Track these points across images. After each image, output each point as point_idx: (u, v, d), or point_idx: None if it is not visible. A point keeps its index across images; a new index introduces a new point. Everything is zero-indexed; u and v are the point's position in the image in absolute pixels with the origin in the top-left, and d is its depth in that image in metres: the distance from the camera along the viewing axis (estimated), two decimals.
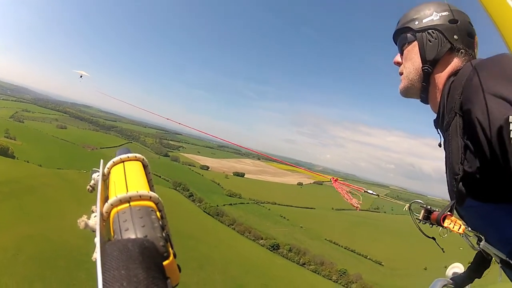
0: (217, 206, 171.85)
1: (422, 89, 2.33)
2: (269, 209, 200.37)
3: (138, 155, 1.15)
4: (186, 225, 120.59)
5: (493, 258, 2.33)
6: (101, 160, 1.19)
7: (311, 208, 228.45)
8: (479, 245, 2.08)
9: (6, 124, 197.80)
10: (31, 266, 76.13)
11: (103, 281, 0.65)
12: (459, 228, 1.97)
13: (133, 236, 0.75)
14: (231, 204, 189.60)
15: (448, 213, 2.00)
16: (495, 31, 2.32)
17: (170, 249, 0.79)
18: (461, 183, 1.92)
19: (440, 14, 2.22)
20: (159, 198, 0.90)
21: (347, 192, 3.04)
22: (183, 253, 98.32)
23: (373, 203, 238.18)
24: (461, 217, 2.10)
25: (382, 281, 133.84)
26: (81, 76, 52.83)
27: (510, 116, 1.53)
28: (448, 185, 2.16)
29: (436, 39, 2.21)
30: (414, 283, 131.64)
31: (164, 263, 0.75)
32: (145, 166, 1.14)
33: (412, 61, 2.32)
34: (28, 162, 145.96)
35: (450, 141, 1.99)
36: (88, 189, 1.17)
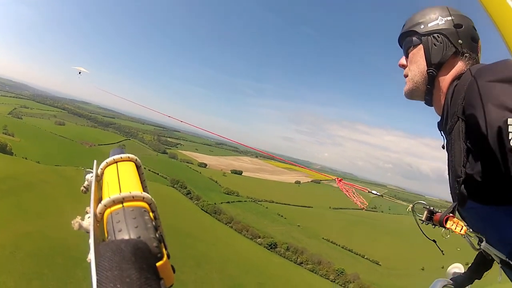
0: (215, 204, 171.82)
1: (426, 92, 2.37)
2: (266, 208, 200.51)
3: (131, 155, 1.15)
4: (184, 223, 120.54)
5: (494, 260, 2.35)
6: (95, 161, 1.19)
7: (309, 207, 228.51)
8: (480, 245, 2.11)
9: (4, 121, 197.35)
10: (29, 264, 75.83)
11: (97, 281, 0.65)
12: (461, 229, 2.01)
13: (126, 237, 0.76)
14: (228, 202, 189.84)
15: (451, 214, 2.04)
16: (496, 32, 2.22)
17: (164, 250, 0.80)
18: (463, 185, 1.96)
19: (445, 18, 2.27)
20: (152, 199, 0.91)
21: (352, 192, 3.08)
22: (180, 251, 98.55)
23: (371, 202, 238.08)
24: (463, 218, 2.15)
25: (380, 281, 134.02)
26: (79, 73, 52.75)
27: (509, 119, 1.57)
28: (450, 186, 2.19)
29: (441, 43, 2.25)
30: (412, 283, 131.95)
31: (158, 264, 0.75)
32: (138, 167, 1.14)
33: (417, 64, 2.36)
34: (26, 158, 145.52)
35: (453, 145, 2.03)
36: (82, 190, 1.16)
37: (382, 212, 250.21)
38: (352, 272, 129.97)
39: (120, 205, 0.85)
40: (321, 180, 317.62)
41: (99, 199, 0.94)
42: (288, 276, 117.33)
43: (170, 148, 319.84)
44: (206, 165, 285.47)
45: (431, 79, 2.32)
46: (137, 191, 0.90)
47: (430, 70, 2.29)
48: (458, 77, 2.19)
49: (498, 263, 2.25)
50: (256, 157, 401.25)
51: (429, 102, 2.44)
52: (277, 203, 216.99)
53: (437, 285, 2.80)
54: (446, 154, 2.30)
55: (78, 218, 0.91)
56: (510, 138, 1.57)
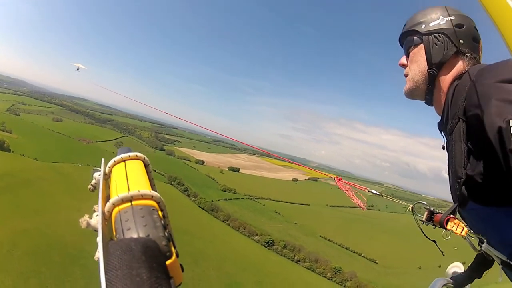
0: (212, 201, 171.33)
1: (427, 91, 2.37)
2: (264, 205, 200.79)
3: (139, 154, 1.15)
4: (181, 220, 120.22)
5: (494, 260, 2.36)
6: (102, 159, 1.17)
7: (306, 205, 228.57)
8: (480, 247, 2.10)
9: (2, 117, 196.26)
10: (26, 262, 75.42)
11: (106, 280, 0.64)
12: (462, 230, 2.01)
13: (135, 236, 0.76)
14: (226, 199, 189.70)
15: (451, 215, 2.05)
16: (496, 32, 2.39)
17: (173, 248, 0.80)
18: (463, 186, 1.95)
19: (447, 18, 2.27)
20: (161, 197, 0.90)
21: (352, 192, 3.07)
22: (178, 248, 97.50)
23: (368, 201, 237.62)
24: (463, 219, 2.14)
25: (377, 279, 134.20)
26: (77, 69, 52.52)
27: (511, 120, 1.55)
28: (450, 187, 2.18)
29: (442, 42, 2.25)
30: (409, 282, 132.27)
31: (167, 262, 0.75)
32: (146, 165, 1.13)
33: (418, 63, 2.36)
34: (23, 155, 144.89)
35: (454, 145, 2.02)
36: (90, 188, 1.16)
37: (379, 210, 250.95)
38: (349, 270, 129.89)
39: (129, 204, 0.85)
40: (318, 178, 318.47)
41: (107, 198, 0.93)
42: (286, 274, 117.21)
43: (167, 145, 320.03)
44: (203, 162, 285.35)
45: (432, 78, 2.31)
46: (146, 189, 0.90)
47: (431, 70, 2.29)
48: (459, 77, 2.18)
49: (499, 264, 2.25)
50: (254, 154, 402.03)
51: (429, 102, 2.43)
52: (274, 200, 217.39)
53: (437, 284, 2.85)
54: (446, 154, 2.29)
55: (86, 216, 0.91)
56: (511, 139, 1.55)
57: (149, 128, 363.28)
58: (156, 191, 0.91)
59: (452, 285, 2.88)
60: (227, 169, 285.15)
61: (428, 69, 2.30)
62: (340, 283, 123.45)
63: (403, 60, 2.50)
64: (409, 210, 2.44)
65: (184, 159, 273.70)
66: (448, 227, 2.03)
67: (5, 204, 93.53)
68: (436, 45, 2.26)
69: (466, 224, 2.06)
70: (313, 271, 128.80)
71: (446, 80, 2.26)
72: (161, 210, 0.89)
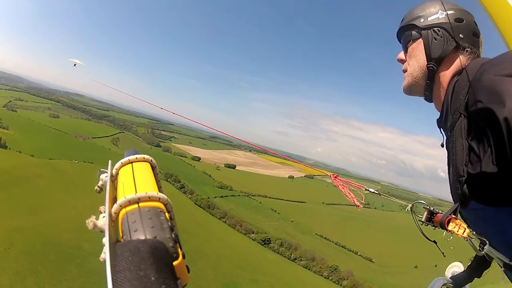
0: (208, 198, 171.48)
1: (426, 87, 2.32)
2: (260, 202, 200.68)
3: (146, 156, 1.16)
4: (177, 218, 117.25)
5: (494, 259, 2.32)
6: (109, 161, 1.17)
7: (302, 202, 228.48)
8: (483, 249, 2.03)
9: None
10: (22, 261, 75.18)
11: (113, 281, 0.65)
12: (464, 231, 1.94)
13: (142, 237, 0.76)
14: (222, 197, 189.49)
15: (453, 216, 1.98)
16: (495, 31, 2.39)
17: (179, 249, 0.80)
18: (465, 185, 1.90)
19: (446, 12, 2.22)
20: (168, 199, 0.91)
21: (348, 190, 3.08)
22: None
23: (364, 199, 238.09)
24: (464, 220, 2.09)
25: (373, 278, 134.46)
26: (74, 65, 52.23)
27: None
28: (450, 186, 2.13)
29: (441, 37, 2.20)
30: (405, 281, 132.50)
31: (174, 263, 0.76)
32: (153, 167, 1.14)
33: (416, 58, 2.30)
34: (20, 152, 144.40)
35: (455, 142, 1.96)
36: (96, 189, 1.15)
37: (376, 208, 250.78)
38: (345, 269, 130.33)
39: (136, 205, 0.86)
40: (314, 175, 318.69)
41: (114, 199, 0.94)
42: (282, 273, 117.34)
43: (164, 141, 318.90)
44: (199, 158, 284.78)
45: (431, 74, 2.26)
46: (153, 191, 0.90)
47: (430, 65, 2.23)
48: (459, 72, 2.14)
49: (501, 267, 2.22)
50: (250, 151, 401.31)
51: (428, 98, 2.38)
52: (270, 198, 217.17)
53: (436, 284, 2.89)
54: (444, 153, 2.26)
55: (93, 218, 0.91)
56: None
57: (145, 124, 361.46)
58: (163, 193, 0.92)
59: (451, 285, 2.90)
60: (223, 165, 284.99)
61: (427, 64, 2.25)
62: (336, 282, 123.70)
63: (401, 55, 2.44)
64: (408, 210, 2.36)
65: (181, 156, 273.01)
66: (449, 228, 1.96)
67: (2, 201, 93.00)
68: (436, 40, 2.21)
69: (467, 225, 1.99)
70: (309, 269, 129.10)
71: (446, 75, 2.21)
72: (168, 212, 0.90)
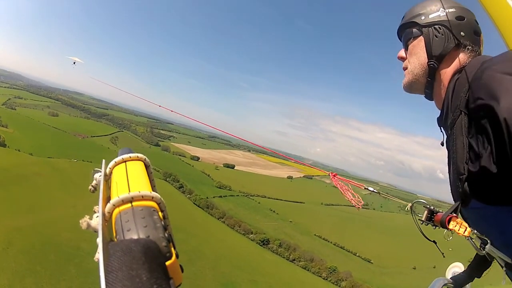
0: (207, 198, 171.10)
1: (427, 85, 2.31)
2: (259, 203, 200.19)
3: (140, 155, 1.15)
4: (176, 218, 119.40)
5: (494, 259, 2.31)
6: (103, 160, 1.17)
7: (301, 203, 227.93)
8: (483, 248, 2.02)
9: None
10: (21, 260, 75.07)
11: (106, 282, 0.64)
12: (465, 230, 1.92)
13: (135, 237, 0.76)
14: (221, 196, 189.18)
15: (454, 214, 1.96)
16: (495, 31, 2.38)
17: (173, 249, 0.80)
18: (466, 183, 1.88)
19: (447, 10, 2.21)
20: (161, 198, 0.90)
21: (347, 189, 3.08)
22: None
23: (362, 198, 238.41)
24: (465, 219, 2.07)
25: (372, 279, 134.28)
26: (74, 63, 52.08)
27: None
28: (451, 185, 2.11)
29: (442, 34, 2.19)
30: (404, 283, 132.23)
31: (167, 263, 0.75)
32: (147, 166, 1.13)
33: (417, 56, 2.29)
34: (19, 150, 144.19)
35: (455, 140, 1.95)
36: (90, 189, 1.15)
37: (374, 209, 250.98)
38: (344, 270, 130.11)
39: (129, 205, 0.85)
40: (313, 176, 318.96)
41: (107, 199, 0.93)
42: (281, 273, 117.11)
43: (163, 141, 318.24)
44: (198, 158, 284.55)
45: (432, 71, 2.25)
46: (146, 190, 0.90)
47: (431, 62, 2.22)
48: (459, 71, 2.13)
49: (502, 267, 2.21)
50: (249, 151, 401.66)
51: (429, 96, 2.37)
52: (269, 198, 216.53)
53: (436, 284, 2.89)
54: (442, 154, 2.25)
55: (87, 217, 0.91)
56: None
57: (144, 123, 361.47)
58: (156, 192, 0.91)
59: (452, 285, 2.90)
60: (222, 165, 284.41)
61: (428, 62, 2.24)
62: (335, 283, 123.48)
63: (402, 53, 2.43)
64: (407, 209, 2.34)
65: (180, 155, 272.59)
66: (450, 226, 1.93)
67: (1, 200, 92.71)
68: (436, 37, 2.20)
69: (468, 225, 1.97)
70: (308, 270, 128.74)
71: (446, 73, 2.20)
72: (162, 211, 0.89)
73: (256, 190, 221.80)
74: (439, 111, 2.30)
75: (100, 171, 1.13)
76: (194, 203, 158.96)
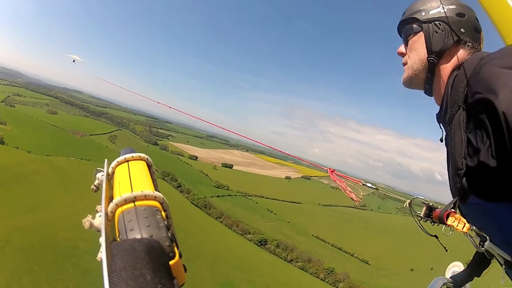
0: (205, 197, 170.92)
1: (426, 80, 2.32)
2: (256, 202, 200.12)
3: (142, 154, 1.16)
4: (174, 217, 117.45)
5: (494, 257, 2.30)
6: (105, 160, 1.16)
7: (299, 203, 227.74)
8: (482, 245, 2.02)
9: None
10: (19, 260, 75.03)
11: (109, 281, 0.64)
12: (464, 226, 1.89)
13: (138, 236, 0.76)
14: (218, 196, 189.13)
15: (452, 210, 1.94)
16: (495, 31, 2.39)
17: (176, 248, 0.80)
18: (464, 178, 1.87)
19: (448, 7, 2.22)
20: (164, 198, 0.91)
21: (346, 185, 3.08)
22: None
23: (361, 193, 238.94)
24: (463, 216, 2.01)
25: (369, 280, 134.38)
26: (73, 61, 52.00)
27: None
28: (450, 181, 2.11)
29: (443, 30, 2.20)
30: (401, 284, 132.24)
31: (170, 263, 0.76)
32: (149, 166, 1.15)
33: (417, 51, 2.30)
34: (17, 148, 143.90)
35: (453, 136, 1.95)
36: (93, 188, 1.14)
37: (372, 210, 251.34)
38: (342, 271, 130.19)
39: (132, 204, 0.85)
40: (311, 176, 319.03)
41: (110, 198, 0.94)
42: (278, 274, 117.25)
43: (161, 140, 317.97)
44: (197, 157, 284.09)
45: (432, 67, 2.26)
46: (149, 190, 0.90)
47: (431, 58, 2.23)
48: (459, 67, 2.13)
49: (501, 265, 2.20)
50: (247, 151, 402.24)
51: (428, 91, 2.38)
52: (267, 198, 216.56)
53: (436, 284, 2.87)
54: (439, 155, 2.22)
55: (89, 217, 0.90)
56: None
57: (143, 122, 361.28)
58: (159, 192, 0.92)
59: (451, 284, 2.89)
60: (220, 165, 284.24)
61: (428, 57, 2.25)
62: (333, 284, 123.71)
63: (402, 48, 2.44)
64: (406, 205, 2.32)
65: (178, 154, 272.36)
66: (449, 222, 1.91)
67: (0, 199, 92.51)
68: (437, 33, 2.22)
69: (467, 221, 1.94)
70: (306, 271, 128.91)
71: (446, 69, 2.21)
72: (164, 211, 0.89)
73: (254, 190, 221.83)
74: (438, 108, 2.30)
75: (103, 171, 1.13)
76: (192, 203, 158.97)
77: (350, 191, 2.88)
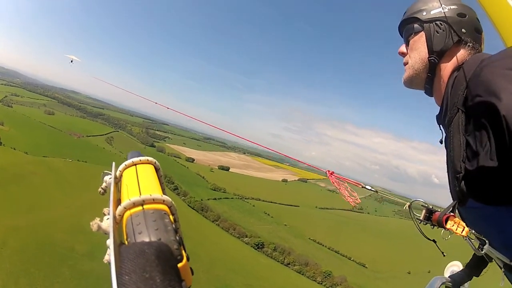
0: (202, 200, 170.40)
1: (427, 80, 2.31)
2: (253, 205, 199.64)
3: (150, 158, 1.17)
4: None
5: (494, 260, 2.30)
6: (113, 163, 1.17)
7: (295, 206, 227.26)
8: (482, 248, 1.99)
9: None
10: (15, 261, 74.66)
11: (118, 283, 0.65)
12: (463, 230, 1.89)
13: (146, 239, 0.76)
14: (215, 199, 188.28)
15: (451, 213, 1.94)
16: (494, 31, 2.40)
17: (183, 252, 0.81)
18: (463, 182, 1.86)
19: (449, 7, 2.22)
20: (172, 202, 0.92)
21: (345, 187, 3.08)
22: None
23: (359, 197, 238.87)
24: (463, 219, 2.03)
25: (366, 284, 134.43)
26: (71, 61, 51.61)
27: None
28: (449, 184, 2.09)
29: (444, 30, 2.20)
30: (399, 287, 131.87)
31: (179, 265, 0.76)
32: (157, 169, 1.16)
33: (418, 51, 2.30)
34: (15, 149, 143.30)
35: (452, 138, 1.94)
36: (100, 191, 1.14)
37: (369, 213, 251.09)
38: (339, 275, 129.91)
39: (140, 208, 0.86)
40: (308, 179, 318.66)
41: (117, 201, 0.94)
42: (276, 278, 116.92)
43: (158, 141, 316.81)
44: (193, 160, 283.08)
45: (432, 67, 2.25)
46: (157, 193, 0.91)
47: (432, 58, 2.23)
48: (459, 67, 2.13)
49: (501, 268, 2.18)
50: (244, 153, 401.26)
51: (429, 91, 2.37)
52: (264, 201, 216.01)
53: (435, 283, 2.86)
54: (440, 158, 2.24)
55: (97, 220, 0.90)
56: None
57: (140, 124, 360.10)
58: (167, 195, 0.93)
59: (450, 284, 2.88)
60: (217, 167, 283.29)
61: (428, 57, 2.25)
62: (330, 287, 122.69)
63: (403, 48, 2.44)
64: (406, 208, 2.32)
65: (174, 156, 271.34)
66: (448, 226, 1.90)
67: None
68: (438, 33, 2.21)
69: (466, 225, 1.93)
70: (303, 274, 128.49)
71: (447, 69, 2.21)
72: (172, 214, 0.91)
73: (251, 193, 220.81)
74: (436, 111, 2.30)
75: (110, 174, 1.13)
76: (188, 205, 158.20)
77: (348, 194, 2.92)
